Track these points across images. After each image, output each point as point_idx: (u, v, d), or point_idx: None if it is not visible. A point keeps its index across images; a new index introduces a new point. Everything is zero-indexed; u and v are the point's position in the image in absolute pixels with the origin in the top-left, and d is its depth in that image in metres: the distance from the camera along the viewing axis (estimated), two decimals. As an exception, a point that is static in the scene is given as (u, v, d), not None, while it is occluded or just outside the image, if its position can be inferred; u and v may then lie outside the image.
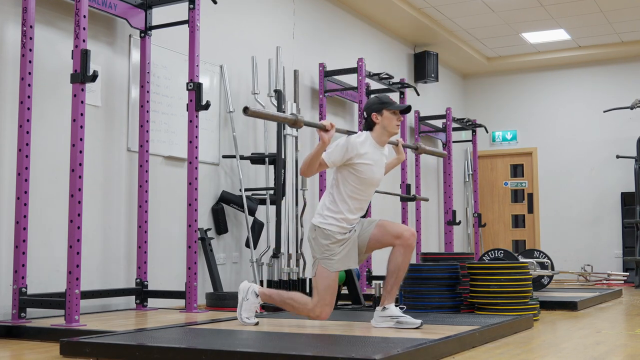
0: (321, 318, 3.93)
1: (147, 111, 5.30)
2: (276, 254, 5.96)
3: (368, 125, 4.06)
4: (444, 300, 4.83)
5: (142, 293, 5.16)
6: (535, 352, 3.57)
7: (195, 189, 5.01)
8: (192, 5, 5.11)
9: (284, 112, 6.27)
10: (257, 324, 4.06)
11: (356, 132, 4.08)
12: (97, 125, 5.09)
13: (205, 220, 5.93)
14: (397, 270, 3.97)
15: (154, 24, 5.38)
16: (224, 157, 6.19)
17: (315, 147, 3.85)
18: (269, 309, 5.38)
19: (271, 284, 5.87)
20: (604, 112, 10.16)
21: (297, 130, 6.37)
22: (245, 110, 3.51)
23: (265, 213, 6.21)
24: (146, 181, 5.24)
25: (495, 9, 8.67)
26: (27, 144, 4.34)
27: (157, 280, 5.38)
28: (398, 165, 7.38)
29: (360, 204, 4.02)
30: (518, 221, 11.20)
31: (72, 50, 4.26)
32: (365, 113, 4.09)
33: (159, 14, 5.43)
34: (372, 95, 4.17)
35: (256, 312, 4.21)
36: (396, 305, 4.04)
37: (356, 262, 4.05)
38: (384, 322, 3.95)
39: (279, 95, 6.25)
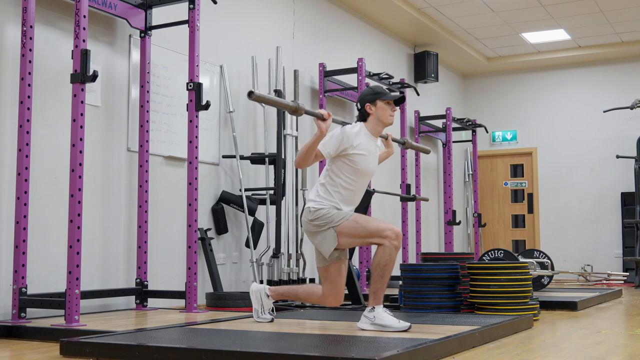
0: (399, 233, 3.87)
1: (147, 111, 5.30)
2: (276, 254, 5.96)
3: (362, 116, 4.06)
4: (444, 300, 4.83)
5: (142, 293, 5.16)
6: (535, 352, 3.57)
7: (195, 189, 5.02)
8: (192, 5, 5.12)
9: (284, 112, 6.27)
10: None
11: (350, 124, 4.08)
12: (97, 125, 5.09)
13: (205, 220, 5.94)
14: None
15: (154, 24, 5.38)
16: (224, 157, 6.19)
17: (312, 137, 3.83)
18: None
19: (271, 284, 5.87)
20: (604, 112, 10.16)
21: (297, 130, 6.37)
22: (250, 94, 3.51)
23: (265, 213, 6.21)
24: (146, 181, 5.24)
25: (495, 9, 8.67)
26: (27, 144, 4.34)
27: (157, 280, 5.38)
28: (397, 166, 7.35)
29: (354, 195, 4.02)
30: (518, 221, 11.20)
31: (72, 50, 4.26)
32: (359, 104, 4.09)
33: (159, 14, 5.43)
34: (367, 87, 4.18)
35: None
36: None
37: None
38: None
39: (279, 95, 6.25)
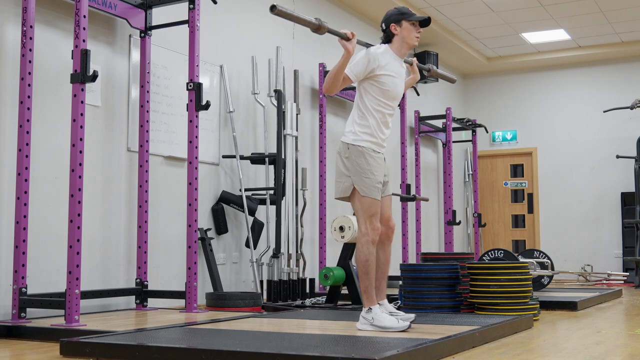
0: (377, 230, 3.86)
1: (147, 111, 5.30)
2: (276, 254, 5.96)
3: (387, 37, 4.04)
4: (444, 300, 4.83)
5: (142, 293, 5.16)
6: (535, 352, 3.57)
7: (195, 189, 5.02)
8: (192, 5, 5.12)
9: (284, 112, 6.28)
10: (409, 327, 3.73)
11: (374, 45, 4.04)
12: (97, 125, 5.09)
13: (205, 220, 5.94)
14: (379, 265, 4.00)
15: (154, 24, 5.38)
16: (224, 157, 6.19)
17: (339, 60, 3.81)
18: (268, 309, 5.38)
19: (271, 284, 5.87)
20: (604, 112, 10.17)
21: (297, 130, 6.37)
22: (273, 8, 3.49)
23: (265, 213, 6.21)
24: (146, 181, 5.24)
25: (495, 9, 8.67)
26: (27, 144, 4.34)
27: (157, 280, 5.38)
28: (397, 166, 7.36)
29: (385, 117, 3.99)
30: (518, 221, 11.20)
31: (72, 50, 4.26)
32: (383, 24, 4.05)
33: (159, 14, 5.43)
34: (391, 8, 4.13)
35: (393, 312, 3.98)
36: (391, 303, 4.13)
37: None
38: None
39: (279, 95, 6.25)
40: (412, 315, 3.89)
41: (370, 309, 3.82)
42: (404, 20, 4.01)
